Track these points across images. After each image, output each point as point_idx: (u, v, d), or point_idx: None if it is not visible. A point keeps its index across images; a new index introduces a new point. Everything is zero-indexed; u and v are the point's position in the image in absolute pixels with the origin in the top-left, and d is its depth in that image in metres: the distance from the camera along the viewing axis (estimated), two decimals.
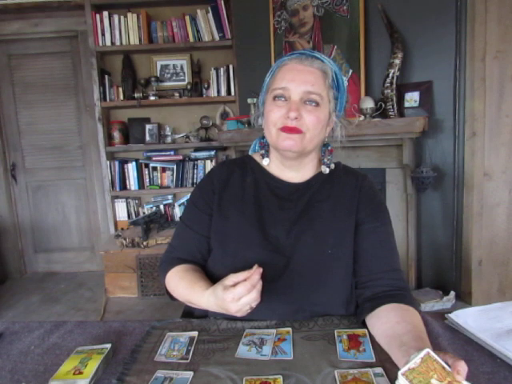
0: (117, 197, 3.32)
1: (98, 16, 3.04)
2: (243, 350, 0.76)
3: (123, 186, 3.27)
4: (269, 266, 0.89)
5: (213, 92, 3.16)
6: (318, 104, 0.88)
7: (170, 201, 3.32)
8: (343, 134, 0.96)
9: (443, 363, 0.57)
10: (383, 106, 2.32)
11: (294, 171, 0.96)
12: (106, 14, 3.04)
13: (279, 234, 0.91)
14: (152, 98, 3.13)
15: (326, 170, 0.96)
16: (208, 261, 0.97)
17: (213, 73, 3.14)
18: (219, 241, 0.94)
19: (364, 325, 0.84)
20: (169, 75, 3.28)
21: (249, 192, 0.96)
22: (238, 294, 0.71)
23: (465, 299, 2.33)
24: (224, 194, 0.96)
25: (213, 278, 0.94)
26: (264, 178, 0.98)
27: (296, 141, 0.87)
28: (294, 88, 0.87)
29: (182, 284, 0.90)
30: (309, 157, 0.95)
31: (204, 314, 0.95)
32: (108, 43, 3.09)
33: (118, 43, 3.09)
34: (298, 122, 0.86)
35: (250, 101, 2.73)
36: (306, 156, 0.94)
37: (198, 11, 3.03)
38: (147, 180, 3.28)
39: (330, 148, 0.98)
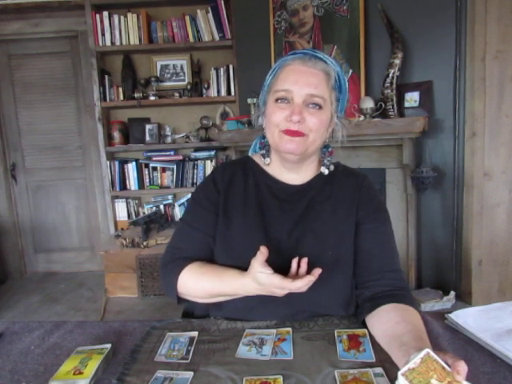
0: (117, 197, 3.32)
1: (97, 16, 3.04)
2: (243, 350, 0.76)
3: (123, 186, 3.27)
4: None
5: (213, 92, 3.16)
6: (320, 107, 0.87)
7: (170, 201, 3.32)
8: (344, 134, 0.95)
9: (443, 363, 0.57)
10: (383, 105, 2.31)
11: (294, 173, 0.96)
12: (106, 14, 3.04)
13: (280, 235, 0.91)
14: (152, 98, 3.12)
15: (325, 171, 0.95)
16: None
17: (213, 73, 3.14)
18: (223, 243, 0.92)
19: (364, 325, 0.83)
20: (169, 75, 3.28)
21: (251, 194, 0.95)
22: (295, 287, 0.75)
23: (465, 299, 2.33)
24: (228, 195, 0.95)
25: None
26: (264, 179, 0.97)
27: (298, 144, 0.86)
28: (296, 90, 0.86)
29: (207, 278, 0.87)
30: (309, 159, 0.94)
31: (204, 314, 0.95)
32: (108, 43, 3.09)
33: (118, 43, 3.09)
34: (300, 125, 0.85)
35: (249, 101, 2.73)
36: (307, 158, 0.93)
37: (198, 11, 3.03)
38: (147, 180, 3.28)
39: (330, 150, 0.97)
